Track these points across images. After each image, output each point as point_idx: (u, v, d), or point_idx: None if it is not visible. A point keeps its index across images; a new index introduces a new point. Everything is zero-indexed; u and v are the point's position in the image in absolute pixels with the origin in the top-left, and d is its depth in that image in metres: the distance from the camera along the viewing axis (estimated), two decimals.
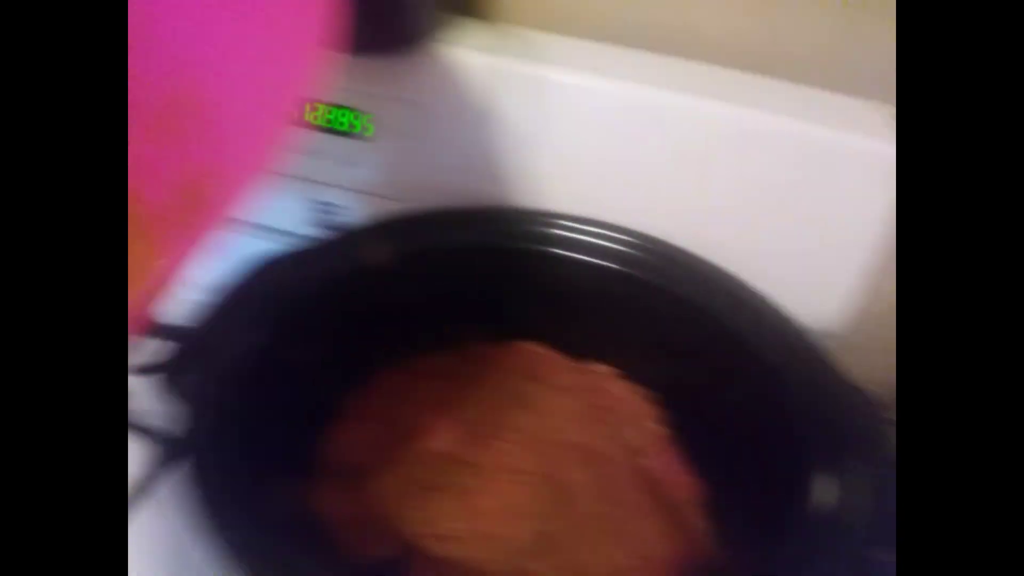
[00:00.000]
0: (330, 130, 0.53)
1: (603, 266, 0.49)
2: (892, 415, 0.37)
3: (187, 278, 0.23)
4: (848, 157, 0.46)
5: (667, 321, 0.47)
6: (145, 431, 0.36)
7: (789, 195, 0.48)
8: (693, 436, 0.47)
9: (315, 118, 0.53)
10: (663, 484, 0.45)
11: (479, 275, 0.50)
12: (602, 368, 0.51)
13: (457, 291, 0.50)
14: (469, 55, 0.50)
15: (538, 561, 0.39)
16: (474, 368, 0.50)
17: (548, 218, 0.50)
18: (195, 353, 0.39)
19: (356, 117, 0.52)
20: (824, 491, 0.35)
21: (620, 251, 0.49)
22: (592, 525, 0.41)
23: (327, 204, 0.56)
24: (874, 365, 0.64)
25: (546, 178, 0.52)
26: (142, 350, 0.37)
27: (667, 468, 0.46)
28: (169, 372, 0.38)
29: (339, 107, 0.52)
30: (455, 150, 0.52)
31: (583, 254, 0.49)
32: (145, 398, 0.36)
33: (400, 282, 0.49)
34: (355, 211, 0.55)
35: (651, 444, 0.47)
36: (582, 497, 0.43)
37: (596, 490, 0.43)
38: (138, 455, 0.34)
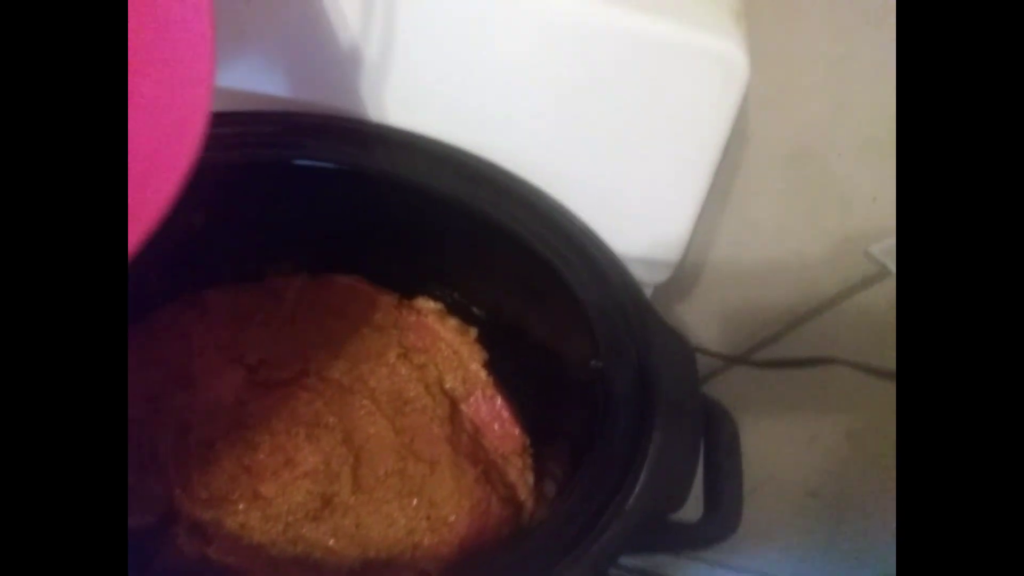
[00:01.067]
0: None
1: (423, 187, 0.42)
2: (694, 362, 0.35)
3: None
4: (690, 59, 0.40)
5: (492, 251, 0.42)
6: None
7: (620, 103, 0.42)
8: (515, 380, 0.43)
9: None
10: (483, 436, 0.42)
11: (281, 197, 0.43)
12: (427, 305, 0.46)
13: (252, 215, 0.43)
14: None
15: (315, 526, 0.35)
16: (272, 304, 0.44)
17: (363, 129, 0.42)
18: None
19: None
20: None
21: (444, 173, 0.42)
22: (383, 485, 0.37)
23: None
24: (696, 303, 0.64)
25: (360, 86, 0.44)
26: None
27: (490, 418, 0.42)
28: None
29: None
30: (257, 48, 0.43)
31: (401, 172, 0.42)
32: None
33: (184, 204, 0.41)
34: None
35: (475, 391, 0.43)
36: (380, 453, 0.38)
37: (398, 445, 0.39)
38: None
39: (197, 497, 0.36)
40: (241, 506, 0.36)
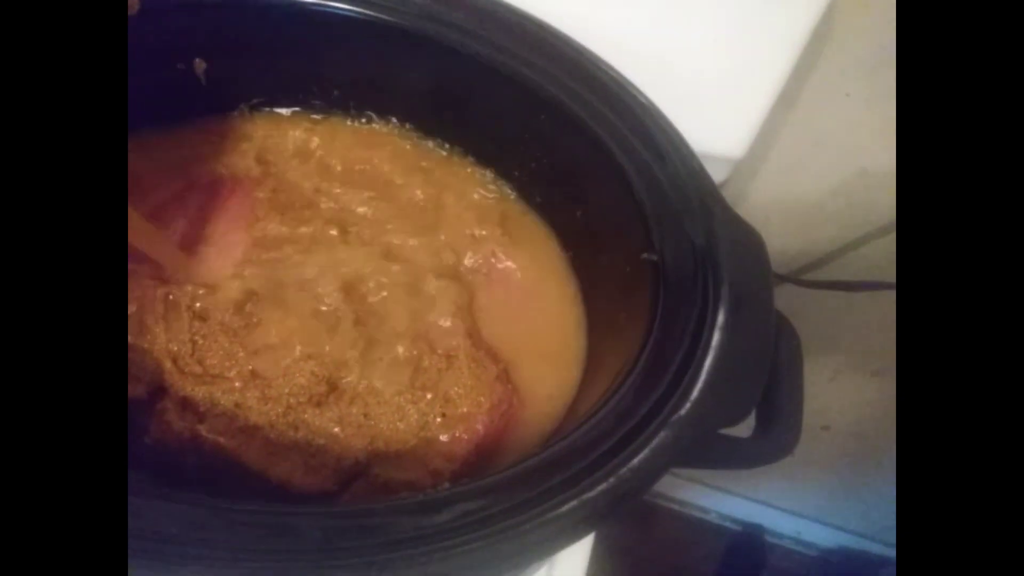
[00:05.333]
0: None
1: (453, 44, 0.36)
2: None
3: None
4: None
5: (534, 120, 0.37)
6: None
7: None
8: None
9: None
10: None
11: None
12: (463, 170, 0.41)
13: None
14: None
15: (318, 412, 0.32)
16: (260, 143, 0.39)
17: None
18: None
19: None
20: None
21: (487, 28, 0.36)
22: (396, 375, 0.33)
23: None
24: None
25: None
26: None
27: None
28: None
29: None
30: None
31: (432, 29, 0.36)
32: None
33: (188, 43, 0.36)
34: None
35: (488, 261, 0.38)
36: (393, 341, 0.34)
37: (412, 333, 0.35)
38: None
39: (189, 372, 0.32)
40: (237, 384, 0.32)
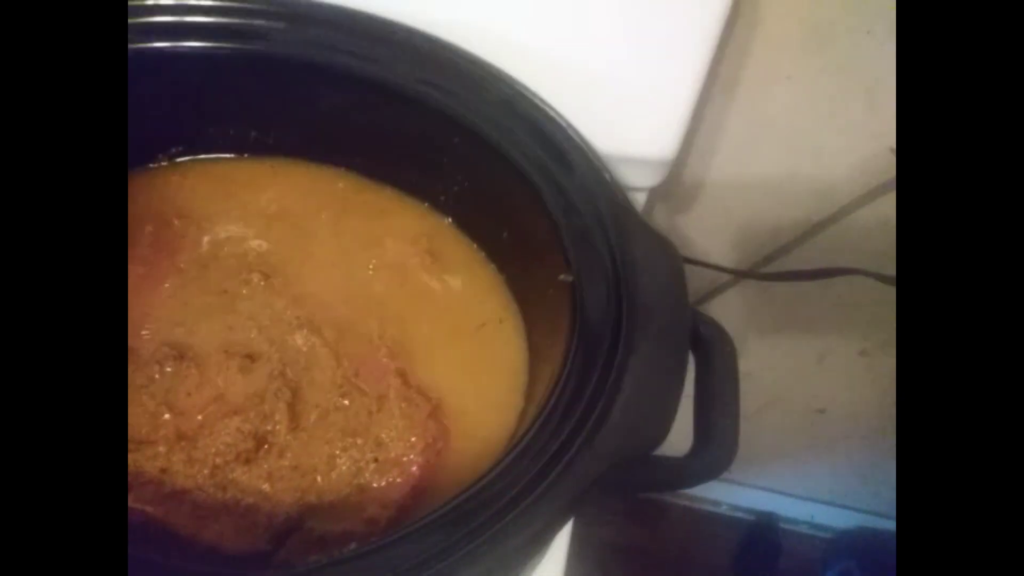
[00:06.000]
0: None
1: (371, 74, 0.36)
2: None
3: None
4: None
5: (447, 144, 0.36)
6: None
7: None
8: None
9: None
10: None
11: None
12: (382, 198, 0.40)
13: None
14: None
15: (246, 469, 0.31)
16: (179, 192, 0.38)
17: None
18: None
19: None
20: None
21: (394, 53, 0.35)
22: (324, 422, 0.32)
23: None
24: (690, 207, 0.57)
25: None
26: None
27: None
28: None
29: None
30: None
31: (344, 59, 0.35)
32: None
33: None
34: None
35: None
36: (320, 387, 0.34)
37: (339, 378, 0.34)
38: None
39: None
40: (162, 448, 0.31)
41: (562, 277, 0.30)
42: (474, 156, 0.35)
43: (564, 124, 0.33)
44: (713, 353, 0.30)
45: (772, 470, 0.99)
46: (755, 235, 0.58)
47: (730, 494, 1.06)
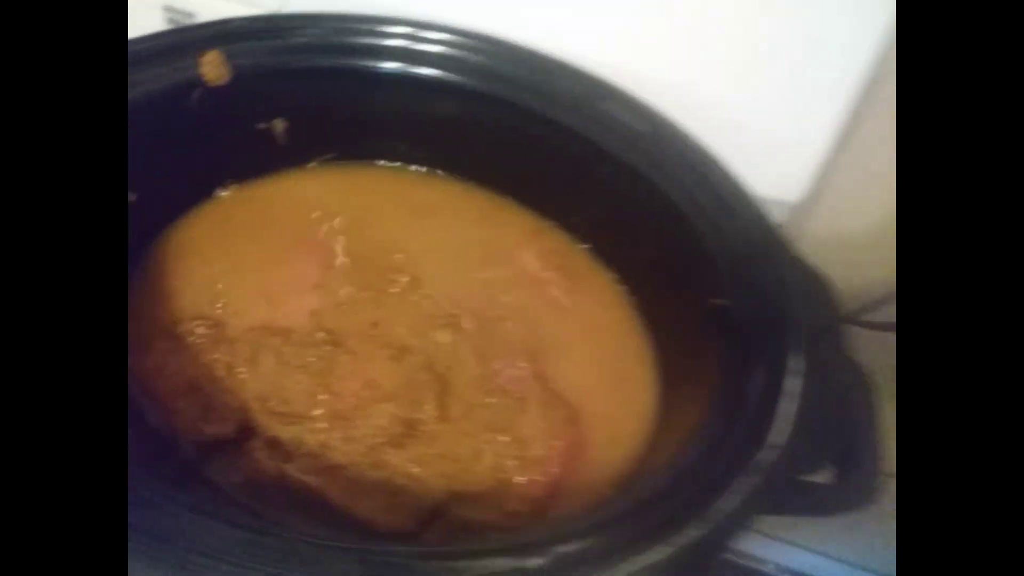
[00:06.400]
0: None
1: (524, 104, 0.39)
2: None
3: None
4: None
5: (601, 179, 0.39)
6: None
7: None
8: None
9: None
10: None
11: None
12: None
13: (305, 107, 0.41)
14: None
15: (397, 452, 0.33)
16: (333, 195, 0.42)
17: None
18: None
19: None
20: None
21: (547, 89, 0.38)
22: (470, 416, 0.34)
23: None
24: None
25: None
26: None
27: None
28: None
29: None
30: None
31: (499, 87, 0.39)
32: None
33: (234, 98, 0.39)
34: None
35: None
36: (466, 383, 0.35)
37: (482, 377, 0.36)
38: None
39: (275, 412, 0.34)
40: (324, 424, 0.33)
41: (714, 302, 0.32)
42: (617, 184, 0.37)
43: (711, 158, 0.35)
44: (854, 385, 0.31)
45: (825, 532, 0.97)
46: (849, 285, 0.58)
47: (778, 553, 1.03)
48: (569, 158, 0.40)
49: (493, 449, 0.33)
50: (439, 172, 0.44)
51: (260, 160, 0.42)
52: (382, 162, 0.44)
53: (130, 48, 0.36)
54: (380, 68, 0.40)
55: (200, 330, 0.36)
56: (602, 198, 0.40)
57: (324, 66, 0.40)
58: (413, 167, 0.44)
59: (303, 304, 0.38)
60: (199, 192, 0.41)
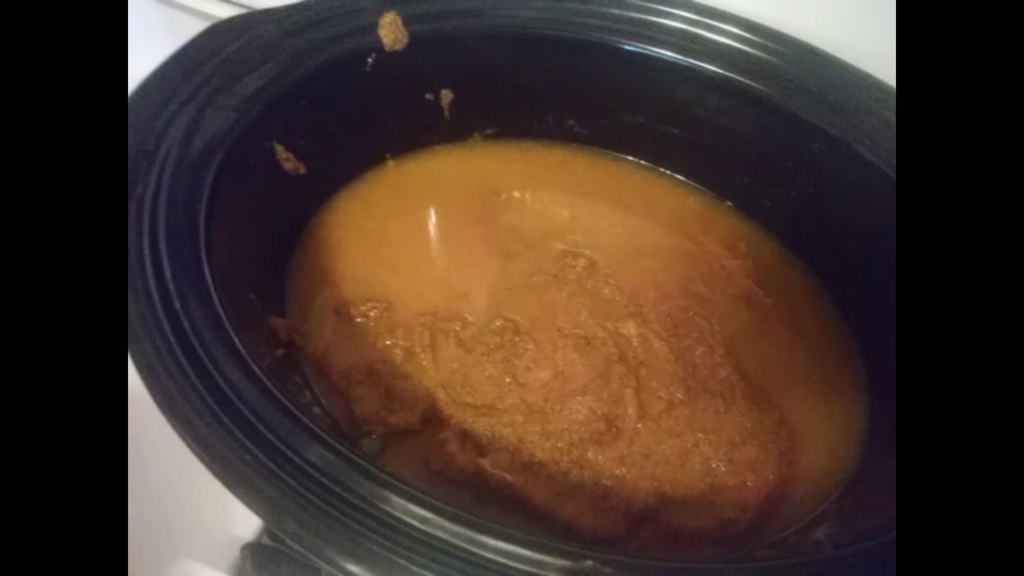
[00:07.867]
0: None
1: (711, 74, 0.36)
2: None
3: None
4: None
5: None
6: None
7: None
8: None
9: None
10: None
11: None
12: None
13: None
14: None
15: (600, 451, 0.30)
16: (499, 172, 0.39)
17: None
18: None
19: None
20: None
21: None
22: (671, 415, 0.32)
23: None
24: None
25: None
26: None
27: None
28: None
29: None
30: None
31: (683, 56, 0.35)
32: None
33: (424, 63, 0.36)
34: None
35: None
36: (662, 380, 0.33)
37: (680, 372, 0.33)
38: None
39: (462, 402, 0.32)
40: (518, 417, 0.31)
41: None
42: (831, 162, 0.34)
43: None
44: None
45: None
46: None
47: None
48: (780, 139, 0.36)
49: (700, 451, 0.31)
50: (609, 154, 0.41)
51: (424, 132, 0.40)
52: (543, 140, 0.42)
53: (311, 10, 0.34)
54: (561, 37, 0.37)
55: (372, 313, 0.34)
56: (807, 178, 0.37)
57: (519, 34, 0.37)
58: (579, 149, 0.42)
59: (477, 287, 0.36)
60: (362, 164, 0.39)
